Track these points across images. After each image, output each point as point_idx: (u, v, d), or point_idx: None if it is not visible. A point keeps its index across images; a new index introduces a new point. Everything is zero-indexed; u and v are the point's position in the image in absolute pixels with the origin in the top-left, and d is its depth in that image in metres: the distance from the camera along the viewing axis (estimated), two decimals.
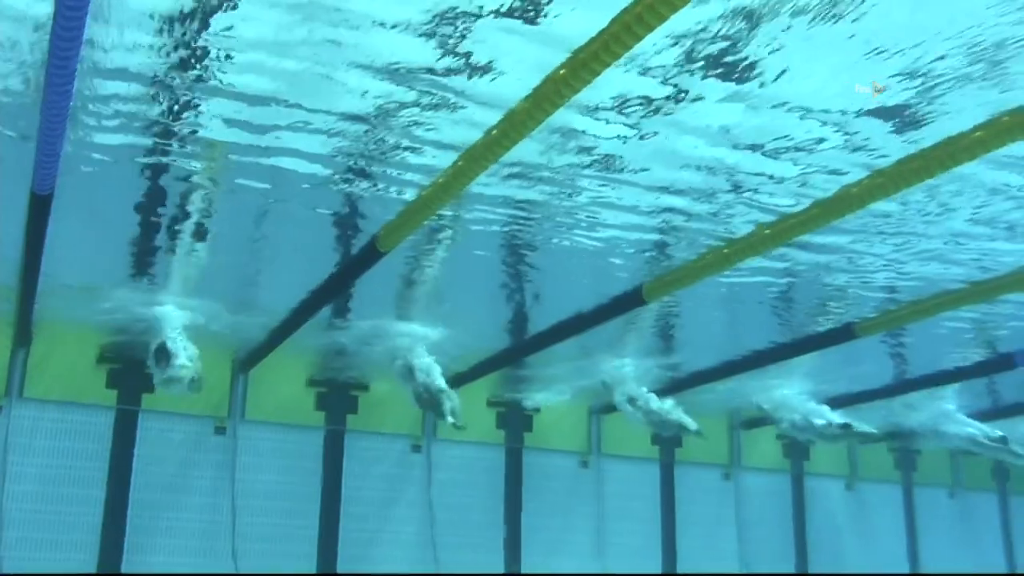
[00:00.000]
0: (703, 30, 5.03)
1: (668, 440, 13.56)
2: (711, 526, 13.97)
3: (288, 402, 11.78)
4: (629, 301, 8.05)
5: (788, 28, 5.01)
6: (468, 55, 5.28)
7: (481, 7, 4.88)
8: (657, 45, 5.12)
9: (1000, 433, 12.30)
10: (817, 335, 9.81)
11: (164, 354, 9.31)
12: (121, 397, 10.87)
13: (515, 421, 12.99)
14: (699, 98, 5.73)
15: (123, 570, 10.52)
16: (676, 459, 13.88)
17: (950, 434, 12.95)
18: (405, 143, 6.38)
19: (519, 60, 5.27)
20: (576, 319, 8.98)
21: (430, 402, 10.29)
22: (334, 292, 8.60)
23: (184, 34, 5.13)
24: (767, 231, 6.84)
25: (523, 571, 12.48)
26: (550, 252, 8.39)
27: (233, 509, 11.09)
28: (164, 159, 6.64)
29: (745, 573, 14.37)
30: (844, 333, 9.25)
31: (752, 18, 4.98)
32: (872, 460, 15.53)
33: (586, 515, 13.13)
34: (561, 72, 4.45)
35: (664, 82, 5.54)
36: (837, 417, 12.05)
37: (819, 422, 12.15)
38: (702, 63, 5.35)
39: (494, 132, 5.20)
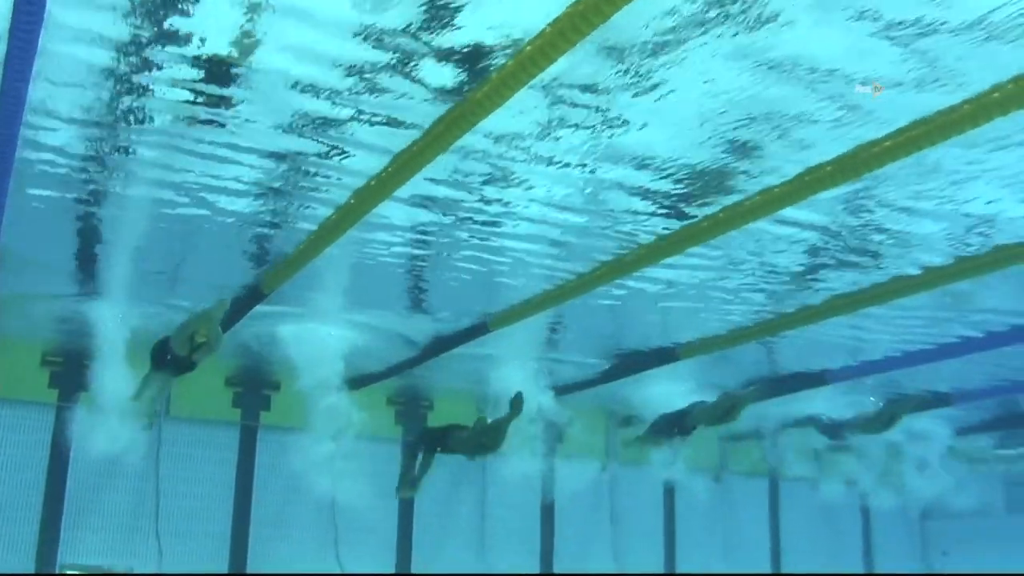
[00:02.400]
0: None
1: (549, 436, 15.85)
2: (587, 515, 16.26)
3: (208, 400, 13.91)
4: (476, 330, 10.29)
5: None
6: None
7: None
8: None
9: None
10: (644, 356, 12.10)
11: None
12: (61, 396, 12.97)
13: (411, 418, 15.21)
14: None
15: (60, 543, 12.65)
16: (557, 453, 16.12)
17: None
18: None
19: None
20: (434, 343, 11.20)
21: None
22: (230, 324, 10.65)
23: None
24: (576, 281, 9.13)
25: (412, 556, 14.76)
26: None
27: (157, 493, 13.21)
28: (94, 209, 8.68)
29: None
30: (669, 355, 11.56)
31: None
32: (739, 455, 17.96)
33: (472, 504, 15.43)
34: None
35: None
36: None
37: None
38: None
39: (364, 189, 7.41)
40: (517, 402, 10.52)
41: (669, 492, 17.17)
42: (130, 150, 7.43)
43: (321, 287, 10.60)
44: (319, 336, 12.20)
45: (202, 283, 10.51)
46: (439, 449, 11.10)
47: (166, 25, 5.77)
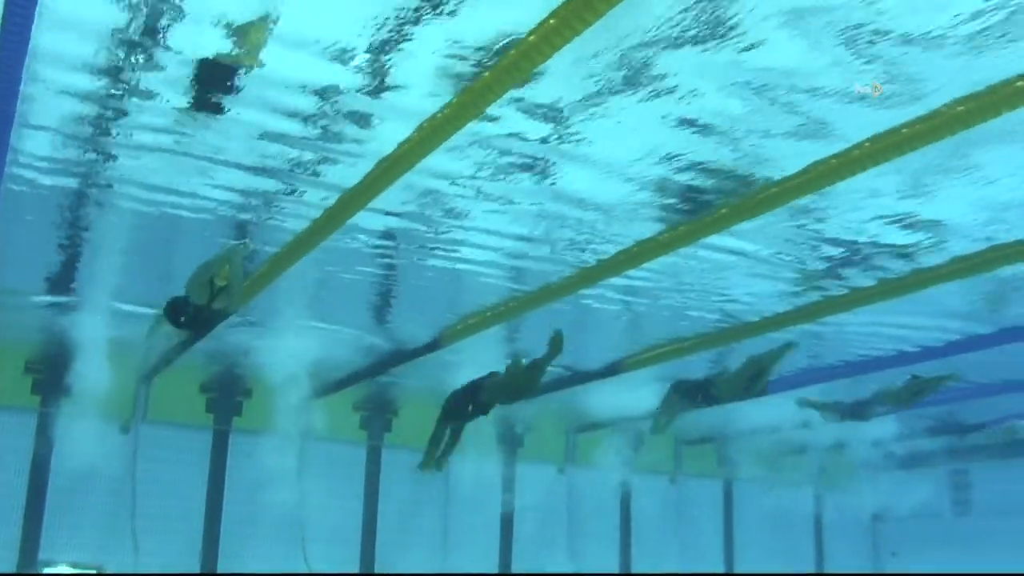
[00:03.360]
0: None
1: (510, 440, 16.86)
2: (545, 515, 17.15)
3: (182, 405, 14.83)
4: (429, 347, 11.26)
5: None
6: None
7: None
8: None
9: None
10: (587, 371, 13.07)
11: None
12: (43, 402, 13.87)
13: (377, 423, 16.17)
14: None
15: (41, 541, 13.57)
16: (517, 456, 17.14)
17: None
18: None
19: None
20: (386, 358, 12.15)
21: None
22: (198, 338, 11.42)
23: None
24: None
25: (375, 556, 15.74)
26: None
27: (133, 494, 14.10)
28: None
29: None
30: (612, 368, 12.53)
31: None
32: (694, 458, 18.96)
33: (436, 506, 16.38)
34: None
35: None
36: None
37: None
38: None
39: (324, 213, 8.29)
40: (557, 340, 9.75)
41: (626, 493, 18.11)
42: (113, 164, 8.12)
43: (289, 300, 11.43)
44: (287, 346, 12.88)
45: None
46: (471, 408, 10.35)
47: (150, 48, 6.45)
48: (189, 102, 7.08)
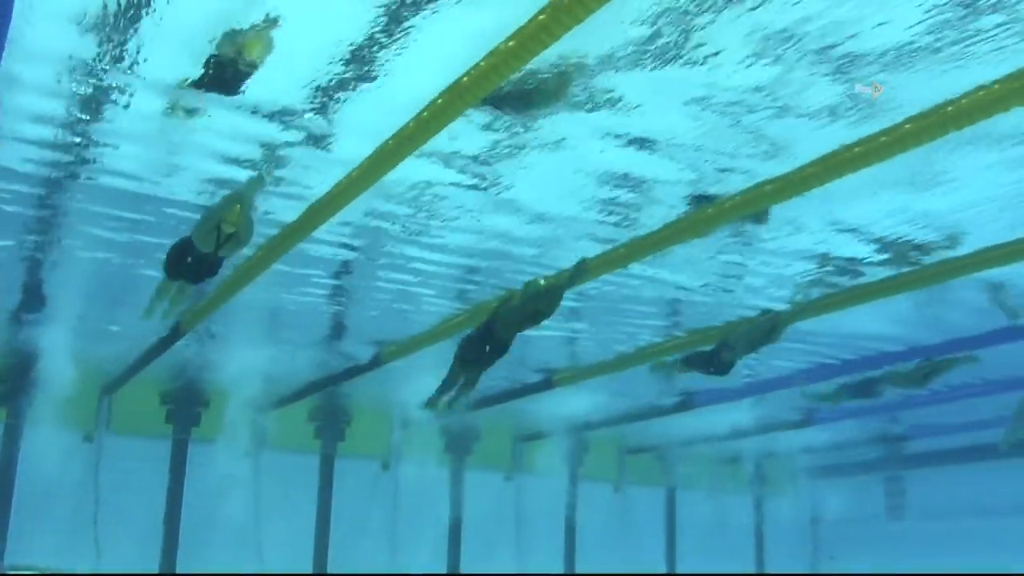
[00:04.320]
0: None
1: (459, 447, 17.73)
2: (493, 521, 18.01)
3: (143, 416, 15.61)
4: (371, 364, 12.12)
5: None
6: None
7: None
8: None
9: None
10: (522, 386, 13.94)
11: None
12: (8, 414, 14.61)
13: (330, 432, 17.01)
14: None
15: (8, 541, 14.33)
16: (466, 464, 18.01)
17: None
18: None
19: None
20: (338, 371, 13.02)
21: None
22: (157, 355, 12.31)
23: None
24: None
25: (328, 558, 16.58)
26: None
27: (96, 500, 14.91)
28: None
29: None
30: (544, 384, 13.42)
31: None
32: (638, 466, 19.89)
33: (386, 512, 17.18)
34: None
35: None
36: None
37: None
38: None
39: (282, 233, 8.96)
40: (583, 266, 9.26)
41: (571, 500, 18.87)
42: (80, 183, 8.58)
43: (246, 315, 12.07)
44: (243, 359, 13.72)
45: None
46: (488, 348, 9.78)
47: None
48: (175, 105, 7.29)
